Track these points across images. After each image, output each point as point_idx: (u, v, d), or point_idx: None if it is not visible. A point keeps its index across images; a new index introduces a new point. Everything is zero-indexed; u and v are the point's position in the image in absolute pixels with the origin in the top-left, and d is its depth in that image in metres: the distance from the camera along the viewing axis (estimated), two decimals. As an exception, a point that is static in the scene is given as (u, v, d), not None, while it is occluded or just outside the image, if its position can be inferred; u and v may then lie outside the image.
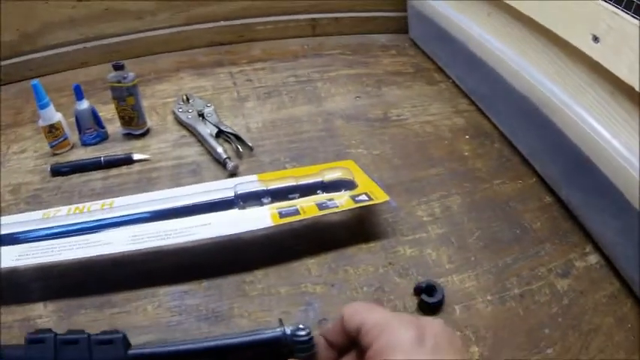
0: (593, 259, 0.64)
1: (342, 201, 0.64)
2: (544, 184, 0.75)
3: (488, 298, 0.59)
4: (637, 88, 0.55)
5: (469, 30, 0.88)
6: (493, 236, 0.66)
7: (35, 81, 0.76)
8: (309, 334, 0.42)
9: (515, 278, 0.61)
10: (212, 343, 0.45)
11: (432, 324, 0.36)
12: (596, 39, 0.60)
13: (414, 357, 0.33)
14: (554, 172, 0.73)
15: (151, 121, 0.87)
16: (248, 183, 0.68)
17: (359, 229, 0.67)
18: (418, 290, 0.58)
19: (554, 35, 0.68)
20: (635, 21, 0.55)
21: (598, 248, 0.65)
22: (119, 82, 0.78)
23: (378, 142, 0.82)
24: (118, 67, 0.78)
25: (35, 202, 0.73)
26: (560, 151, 0.69)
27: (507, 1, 0.77)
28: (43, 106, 0.78)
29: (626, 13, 0.56)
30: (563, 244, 0.66)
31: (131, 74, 0.79)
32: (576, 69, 0.66)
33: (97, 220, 0.64)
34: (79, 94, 0.80)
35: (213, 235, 0.60)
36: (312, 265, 0.62)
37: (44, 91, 0.77)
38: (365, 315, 0.37)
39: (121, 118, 0.83)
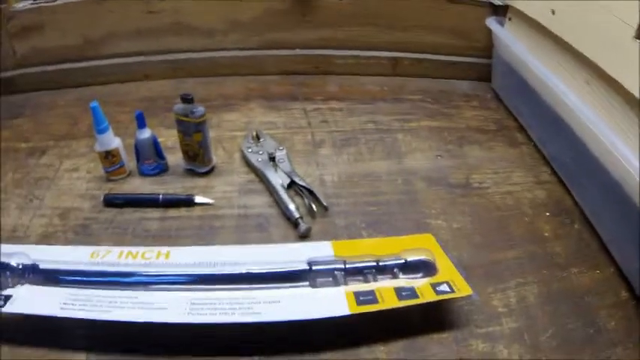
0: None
1: (422, 289, 0.58)
2: (621, 277, 0.69)
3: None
4: None
5: (558, 91, 0.80)
6: (566, 335, 0.62)
7: (95, 103, 0.71)
8: None
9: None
10: None
11: None
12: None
13: None
14: (633, 265, 0.67)
15: (216, 157, 0.81)
16: (323, 258, 0.61)
17: (432, 314, 0.62)
18: None
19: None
20: None
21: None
22: (187, 116, 0.72)
23: (459, 214, 0.76)
24: (187, 100, 0.71)
25: (84, 232, 0.69)
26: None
27: (611, 73, 0.69)
28: (101, 131, 0.73)
29: None
30: (636, 349, 0.60)
31: (200, 109, 0.72)
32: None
33: (151, 276, 0.59)
34: (141, 123, 0.74)
35: (282, 319, 0.54)
36: (380, 353, 0.57)
37: (103, 113, 0.72)
38: None
39: (185, 152, 0.77)
